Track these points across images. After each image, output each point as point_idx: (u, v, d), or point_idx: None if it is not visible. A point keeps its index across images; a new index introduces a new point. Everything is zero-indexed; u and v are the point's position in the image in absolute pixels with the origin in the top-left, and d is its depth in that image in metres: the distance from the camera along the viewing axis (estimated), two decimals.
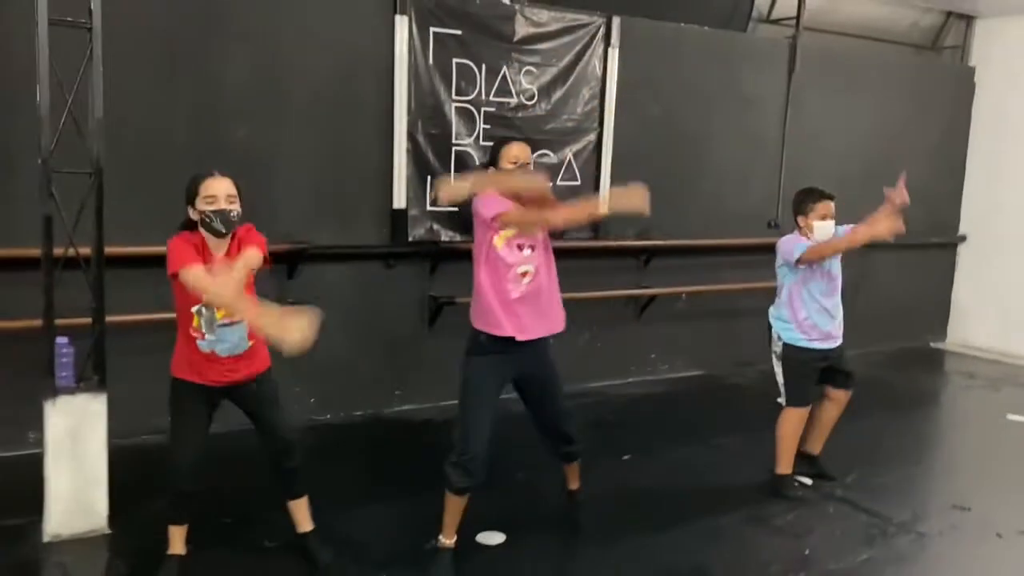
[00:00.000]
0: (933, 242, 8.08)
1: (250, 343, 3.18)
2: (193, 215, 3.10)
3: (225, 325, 3.10)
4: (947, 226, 8.25)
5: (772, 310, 4.45)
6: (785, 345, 4.34)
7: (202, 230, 3.09)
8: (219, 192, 3.06)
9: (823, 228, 4.22)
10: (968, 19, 8.12)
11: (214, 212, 3.04)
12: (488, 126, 5.53)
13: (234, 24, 4.76)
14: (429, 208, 5.44)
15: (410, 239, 5.41)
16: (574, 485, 3.88)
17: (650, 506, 4.10)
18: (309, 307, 2.62)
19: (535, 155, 5.67)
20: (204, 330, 3.09)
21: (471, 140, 5.50)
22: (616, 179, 6.05)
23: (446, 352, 5.65)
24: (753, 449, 4.89)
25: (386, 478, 4.43)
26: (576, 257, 6.04)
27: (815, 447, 4.58)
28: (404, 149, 5.30)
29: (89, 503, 3.56)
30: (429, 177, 5.39)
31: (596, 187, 5.99)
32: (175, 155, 4.63)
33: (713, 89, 6.55)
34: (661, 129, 6.36)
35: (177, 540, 3.28)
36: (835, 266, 4.35)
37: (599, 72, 5.90)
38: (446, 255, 5.51)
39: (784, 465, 4.39)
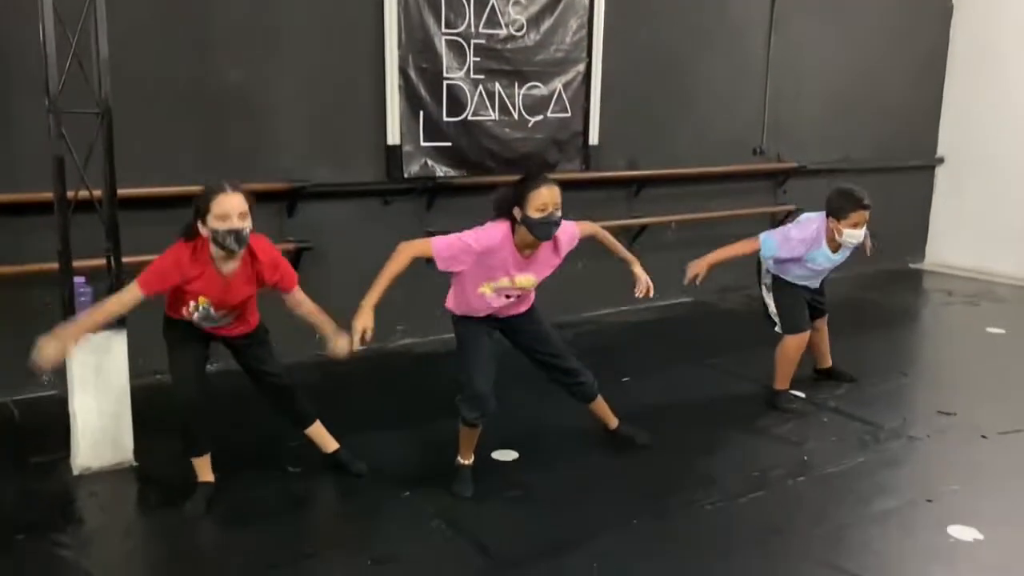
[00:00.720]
0: (911, 165, 8.24)
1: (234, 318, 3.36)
2: (203, 231, 3.09)
3: (214, 319, 3.27)
4: (925, 149, 8.40)
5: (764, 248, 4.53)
6: (775, 278, 4.52)
7: (212, 246, 3.11)
8: (232, 210, 3.04)
9: (852, 235, 4.28)
10: None
11: (227, 231, 3.04)
12: (478, 59, 5.55)
13: None
14: (423, 143, 5.48)
15: (405, 175, 5.46)
16: (612, 423, 3.97)
17: (653, 422, 4.26)
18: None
19: (525, 87, 5.79)
20: (197, 316, 3.24)
21: (462, 73, 5.52)
22: (605, 109, 6.12)
23: (445, 287, 5.78)
24: (745, 367, 5.10)
25: (396, 407, 4.57)
26: (568, 189, 6.06)
27: (825, 362, 4.89)
28: (396, 84, 5.32)
29: (116, 436, 3.67)
30: (421, 112, 5.43)
31: (586, 118, 6.05)
32: (174, 97, 4.65)
33: (699, 16, 6.58)
34: (648, 58, 6.40)
35: (204, 469, 3.41)
36: (836, 263, 4.49)
37: (587, 1, 5.90)
38: (442, 190, 5.58)
39: (781, 381, 4.58)
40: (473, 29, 5.49)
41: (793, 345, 4.52)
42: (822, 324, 4.81)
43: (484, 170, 5.69)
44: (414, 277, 5.57)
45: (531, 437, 4.09)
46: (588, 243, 6.40)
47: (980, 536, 3.31)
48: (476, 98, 5.57)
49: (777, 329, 4.60)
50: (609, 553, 3.14)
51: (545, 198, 3.27)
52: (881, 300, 7.09)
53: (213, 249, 3.12)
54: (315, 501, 3.59)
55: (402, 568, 3.02)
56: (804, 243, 4.33)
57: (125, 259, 3.81)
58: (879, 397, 4.75)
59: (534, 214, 3.26)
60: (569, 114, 5.98)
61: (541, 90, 5.83)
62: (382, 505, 3.46)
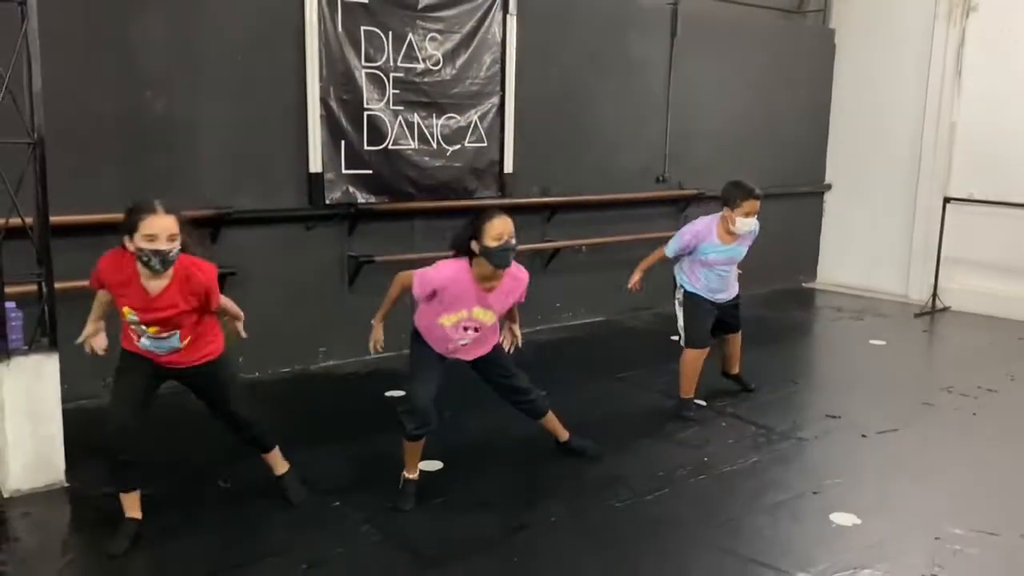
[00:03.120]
0: (802, 191, 8.86)
1: (184, 343, 3.31)
2: (129, 246, 3.08)
3: (157, 338, 3.26)
4: (814, 176, 9.05)
5: (676, 266, 4.94)
6: (686, 293, 4.87)
7: (137, 264, 3.11)
8: (160, 232, 3.02)
9: (744, 224, 4.68)
10: None
11: (153, 252, 3.03)
12: (397, 91, 5.81)
13: None
14: (344, 171, 5.69)
15: (327, 202, 5.65)
16: (563, 436, 4.22)
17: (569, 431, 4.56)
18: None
19: (442, 118, 6.07)
20: (138, 334, 3.24)
21: (382, 104, 5.76)
22: (519, 139, 6.46)
23: (367, 309, 5.98)
24: (653, 380, 5.48)
25: (320, 424, 4.74)
26: None
27: (733, 368, 5.30)
28: (318, 115, 5.53)
29: (47, 458, 3.74)
30: (343, 141, 5.64)
31: (501, 148, 6.38)
32: (97, 127, 4.75)
33: (603, 54, 7.01)
34: (558, 92, 6.78)
35: (130, 505, 3.35)
36: (735, 256, 4.86)
37: (499, 38, 6.24)
38: (363, 216, 5.79)
39: (685, 391, 4.93)
40: (392, 63, 5.75)
41: (691, 357, 4.88)
42: (735, 338, 5.19)
43: (404, 197, 5.93)
44: (332, 303, 5.82)
45: (455, 449, 4.32)
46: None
47: (859, 521, 3.72)
48: (396, 128, 5.83)
49: (681, 342, 4.95)
50: (529, 549, 3.40)
51: (500, 228, 3.52)
52: (775, 317, 7.61)
53: (138, 265, 3.12)
54: (247, 513, 3.71)
55: (334, 571, 3.21)
56: (695, 236, 4.72)
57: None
58: (772, 403, 5.17)
59: (491, 243, 3.52)
60: (485, 144, 6.29)
61: (458, 121, 6.13)
62: (314, 514, 3.63)
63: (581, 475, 4.09)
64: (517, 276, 3.77)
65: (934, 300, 7.98)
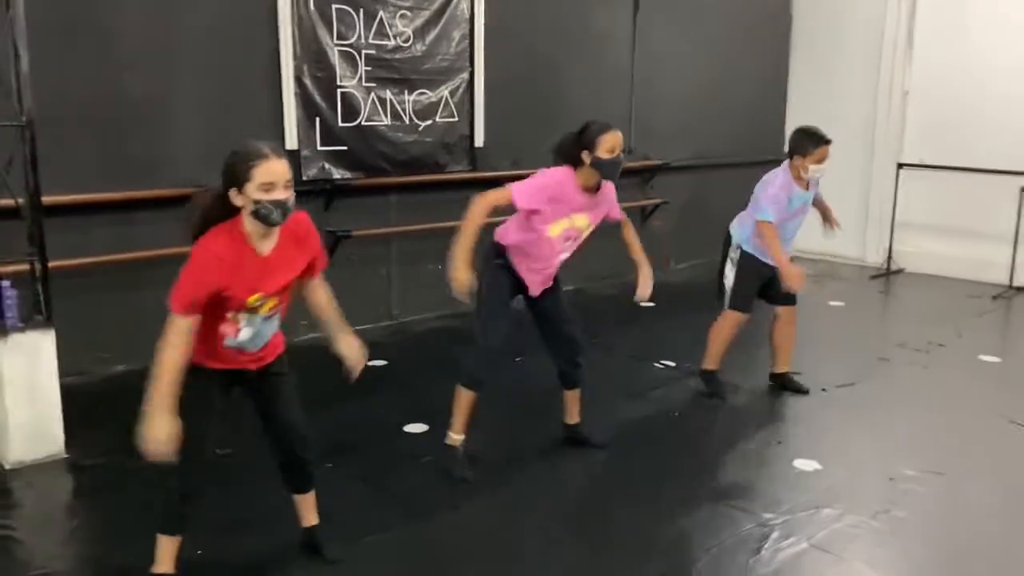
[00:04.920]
0: (762, 160, 9.10)
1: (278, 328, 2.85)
2: (238, 200, 2.55)
3: (268, 318, 2.75)
4: (774, 145, 9.29)
5: (737, 223, 4.78)
6: (744, 254, 4.69)
7: (248, 219, 2.58)
8: (279, 178, 2.53)
9: (818, 170, 4.49)
10: None
11: (273, 203, 2.52)
12: (369, 68, 5.93)
13: None
14: (320, 148, 5.81)
15: (304, 178, 5.77)
16: (574, 419, 4.13)
17: (543, 394, 4.75)
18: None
19: (414, 94, 6.21)
20: (238, 326, 2.69)
21: (355, 82, 5.88)
22: (489, 114, 6.61)
23: (345, 283, 6.13)
24: (622, 340, 5.71)
25: (306, 394, 4.89)
26: (457, 189, 6.59)
27: (780, 366, 5.04)
28: (292, 93, 5.63)
29: (47, 430, 3.88)
30: (318, 118, 5.76)
31: (472, 122, 6.53)
32: (74, 109, 4.82)
33: (568, 29, 7.17)
34: (525, 67, 6.93)
35: (167, 554, 2.86)
36: (808, 202, 4.70)
37: (467, 15, 6.37)
38: (339, 191, 5.92)
39: (711, 360, 4.84)
40: (363, 40, 5.87)
41: (733, 320, 4.76)
42: (783, 312, 4.90)
43: (378, 172, 6.08)
44: (358, 273, 5.94)
45: (440, 411, 4.51)
46: (483, 237, 6.93)
47: (819, 466, 4.00)
48: (369, 105, 5.96)
49: (725, 304, 4.79)
50: (515, 498, 3.63)
51: (612, 140, 3.59)
52: None
53: (249, 224, 2.59)
54: (245, 478, 3.87)
55: (333, 523, 3.40)
56: (785, 189, 4.50)
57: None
58: (739, 362, 5.40)
59: (604, 155, 3.57)
60: (456, 119, 6.44)
61: (429, 96, 6.26)
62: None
63: (559, 432, 4.32)
64: (609, 187, 3.80)
65: (889, 263, 8.33)
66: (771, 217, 4.46)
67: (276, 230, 2.64)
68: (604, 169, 3.64)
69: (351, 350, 2.93)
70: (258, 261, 2.63)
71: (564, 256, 3.79)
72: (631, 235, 4.02)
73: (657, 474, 3.92)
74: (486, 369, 3.75)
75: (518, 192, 3.55)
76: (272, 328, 2.81)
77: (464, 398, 3.82)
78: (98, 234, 4.97)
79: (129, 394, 4.53)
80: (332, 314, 2.95)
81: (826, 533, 3.39)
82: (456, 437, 3.87)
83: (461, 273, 3.44)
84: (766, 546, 3.28)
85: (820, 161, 4.52)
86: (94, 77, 4.87)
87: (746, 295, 4.75)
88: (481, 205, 3.52)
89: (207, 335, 2.66)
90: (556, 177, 3.64)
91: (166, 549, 2.86)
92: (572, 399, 4.15)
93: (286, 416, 2.95)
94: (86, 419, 4.12)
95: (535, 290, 3.81)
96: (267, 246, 2.65)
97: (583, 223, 3.76)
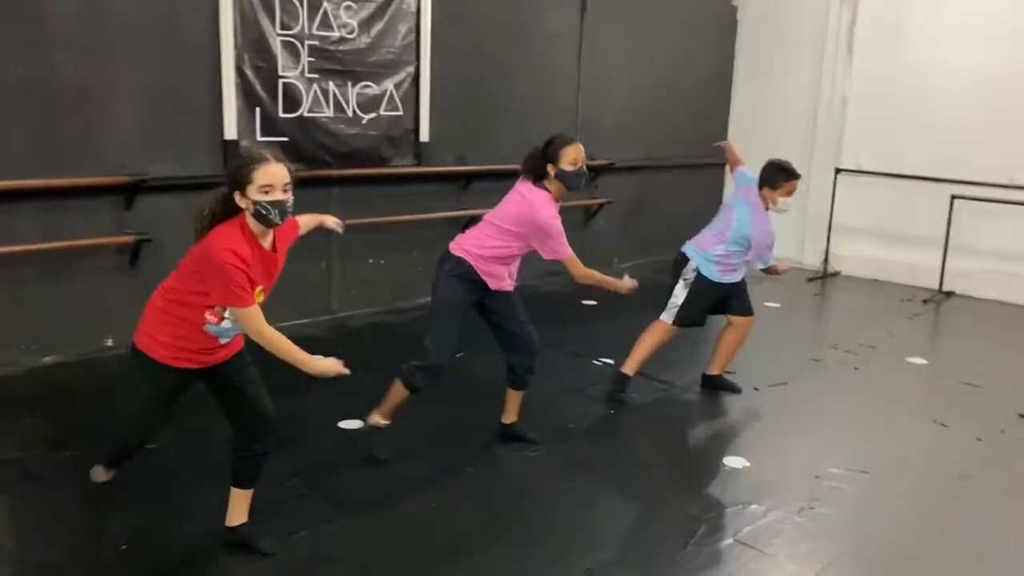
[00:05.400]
0: (706, 162, 9.26)
1: None
2: (241, 203, 2.78)
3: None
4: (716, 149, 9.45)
5: (694, 246, 4.82)
6: (700, 277, 4.75)
7: (250, 219, 2.79)
8: (277, 181, 2.76)
9: (786, 203, 4.68)
10: None
11: (271, 204, 2.74)
12: (312, 59, 5.86)
13: None
14: (260, 138, 5.72)
15: None
16: (510, 418, 4.16)
17: (484, 389, 4.77)
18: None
19: (358, 87, 6.16)
20: (227, 315, 2.87)
21: (297, 72, 5.81)
22: (434, 109, 6.59)
23: (283, 276, 6.05)
24: (563, 337, 5.75)
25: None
26: (401, 183, 6.58)
27: (715, 369, 5.10)
28: (233, 82, 5.54)
29: None
30: (258, 108, 5.68)
31: (416, 117, 6.50)
32: (5, 92, 4.68)
33: (516, 26, 7.18)
34: (472, 63, 6.92)
35: (102, 473, 3.36)
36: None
37: (414, 8, 6.34)
38: None
39: (632, 366, 4.85)
40: (307, 31, 5.80)
41: (665, 333, 4.82)
42: (746, 326, 4.97)
43: (320, 164, 6.01)
44: (297, 266, 5.84)
45: (373, 405, 4.49)
46: (420, 234, 6.86)
47: (748, 464, 4.08)
48: (311, 96, 5.89)
49: (664, 316, 4.83)
50: (450, 495, 3.63)
51: (575, 153, 3.78)
52: None
53: (252, 225, 2.81)
54: (179, 472, 3.81)
55: (264, 519, 3.36)
56: (761, 210, 4.67)
57: None
58: (675, 361, 5.49)
59: (567, 167, 3.77)
60: (401, 112, 6.40)
61: (374, 89, 6.22)
62: None
63: (495, 425, 4.32)
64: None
65: (825, 266, 8.52)
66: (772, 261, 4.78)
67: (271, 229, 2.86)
68: (568, 181, 3.83)
69: (327, 219, 3.47)
70: (268, 258, 2.87)
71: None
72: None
73: (590, 468, 3.96)
74: (428, 382, 3.81)
75: (558, 228, 3.83)
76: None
77: (399, 391, 3.87)
78: (27, 222, 4.84)
79: (55, 387, 4.51)
80: (304, 220, 3.30)
81: (751, 528, 3.46)
82: (381, 421, 3.92)
83: (622, 284, 3.95)
84: (692, 541, 3.33)
85: (789, 194, 4.68)
86: (24, 59, 4.73)
87: (691, 313, 4.83)
88: (587, 272, 3.94)
89: (185, 325, 2.88)
90: (548, 206, 3.82)
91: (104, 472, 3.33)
92: (515, 399, 4.17)
93: (258, 405, 3.06)
94: (10, 412, 4.00)
95: (495, 284, 3.91)
96: (267, 243, 2.88)
97: None
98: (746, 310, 4.96)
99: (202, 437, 3.89)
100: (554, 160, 3.77)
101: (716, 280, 4.77)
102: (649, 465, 4.04)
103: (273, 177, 2.75)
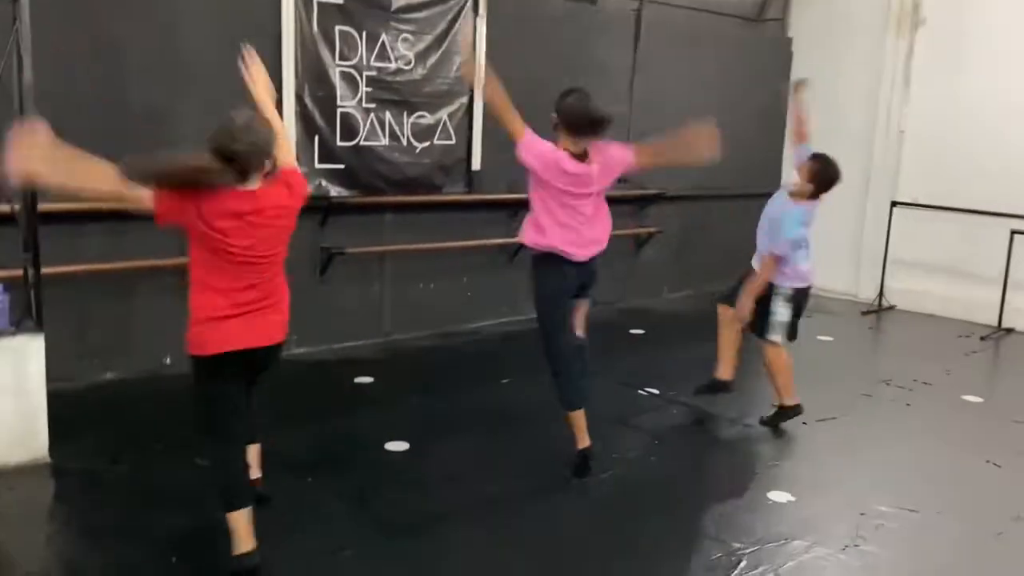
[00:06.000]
0: (759, 192, 9.19)
1: None
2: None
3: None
4: (771, 179, 9.39)
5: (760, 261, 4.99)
6: (794, 290, 4.90)
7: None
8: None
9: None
10: None
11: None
12: (370, 89, 6.03)
13: None
14: (318, 165, 5.90)
15: None
16: (581, 443, 4.12)
17: (530, 415, 4.83)
18: None
19: (413, 116, 6.30)
20: None
21: (355, 102, 5.98)
22: (486, 138, 6.70)
23: (336, 298, 6.24)
24: (609, 366, 5.75)
25: (293, 410, 4.96)
26: (454, 210, 6.69)
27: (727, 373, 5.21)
28: (293, 111, 5.73)
29: (32, 434, 3.93)
30: (316, 136, 5.85)
31: (469, 145, 6.62)
32: (85, 120, 4.90)
33: (570, 56, 7.27)
34: (525, 93, 6.97)
35: (244, 529, 3.06)
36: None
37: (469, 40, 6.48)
38: (335, 209, 6.00)
39: (787, 391, 4.94)
40: (365, 62, 5.97)
41: (786, 353, 4.96)
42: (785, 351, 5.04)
43: (375, 191, 6.16)
44: (304, 292, 6.00)
45: (423, 430, 4.57)
46: (471, 260, 6.96)
47: (793, 498, 4.04)
48: (368, 125, 6.05)
49: (776, 339, 4.92)
50: (494, 521, 3.67)
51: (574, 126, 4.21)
52: None
53: None
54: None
55: (311, 537, 3.44)
56: (794, 219, 4.94)
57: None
58: (724, 394, 5.47)
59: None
60: (453, 141, 6.53)
61: (428, 119, 6.36)
62: (289, 491, 3.85)
63: (540, 454, 4.36)
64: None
65: (880, 299, 8.38)
66: (793, 233, 4.95)
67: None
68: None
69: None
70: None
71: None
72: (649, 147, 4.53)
73: (633, 500, 3.96)
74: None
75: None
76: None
77: (576, 416, 4.12)
78: (91, 242, 5.04)
79: (115, 402, 4.67)
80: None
81: (794, 564, 3.43)
82: (581, 445, 4.14)
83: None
84: (733, 574, 3.31)
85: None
86: (99, 87, 4.97)
87: (793, 325, 4.97)
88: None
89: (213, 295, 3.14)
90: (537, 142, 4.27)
91: (239, 523, 3.05)
92: (576, 421, 4.14)
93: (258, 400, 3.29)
94: (71, 424, 4.17)
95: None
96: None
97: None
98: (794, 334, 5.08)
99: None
100: (559, 111, 4.20)
101: (800, 286, 4.90)
102: (691, 497, 4.01)
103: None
